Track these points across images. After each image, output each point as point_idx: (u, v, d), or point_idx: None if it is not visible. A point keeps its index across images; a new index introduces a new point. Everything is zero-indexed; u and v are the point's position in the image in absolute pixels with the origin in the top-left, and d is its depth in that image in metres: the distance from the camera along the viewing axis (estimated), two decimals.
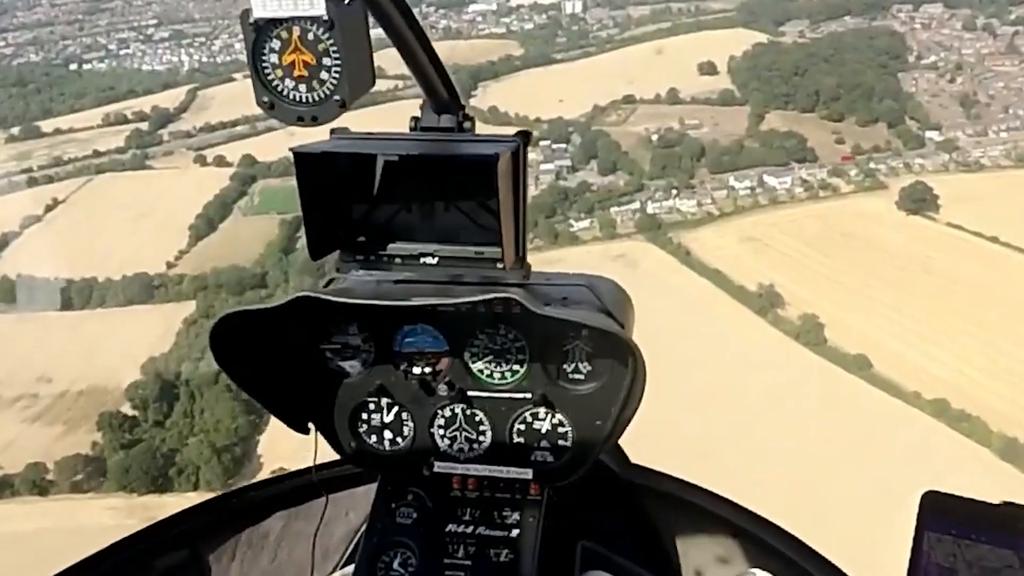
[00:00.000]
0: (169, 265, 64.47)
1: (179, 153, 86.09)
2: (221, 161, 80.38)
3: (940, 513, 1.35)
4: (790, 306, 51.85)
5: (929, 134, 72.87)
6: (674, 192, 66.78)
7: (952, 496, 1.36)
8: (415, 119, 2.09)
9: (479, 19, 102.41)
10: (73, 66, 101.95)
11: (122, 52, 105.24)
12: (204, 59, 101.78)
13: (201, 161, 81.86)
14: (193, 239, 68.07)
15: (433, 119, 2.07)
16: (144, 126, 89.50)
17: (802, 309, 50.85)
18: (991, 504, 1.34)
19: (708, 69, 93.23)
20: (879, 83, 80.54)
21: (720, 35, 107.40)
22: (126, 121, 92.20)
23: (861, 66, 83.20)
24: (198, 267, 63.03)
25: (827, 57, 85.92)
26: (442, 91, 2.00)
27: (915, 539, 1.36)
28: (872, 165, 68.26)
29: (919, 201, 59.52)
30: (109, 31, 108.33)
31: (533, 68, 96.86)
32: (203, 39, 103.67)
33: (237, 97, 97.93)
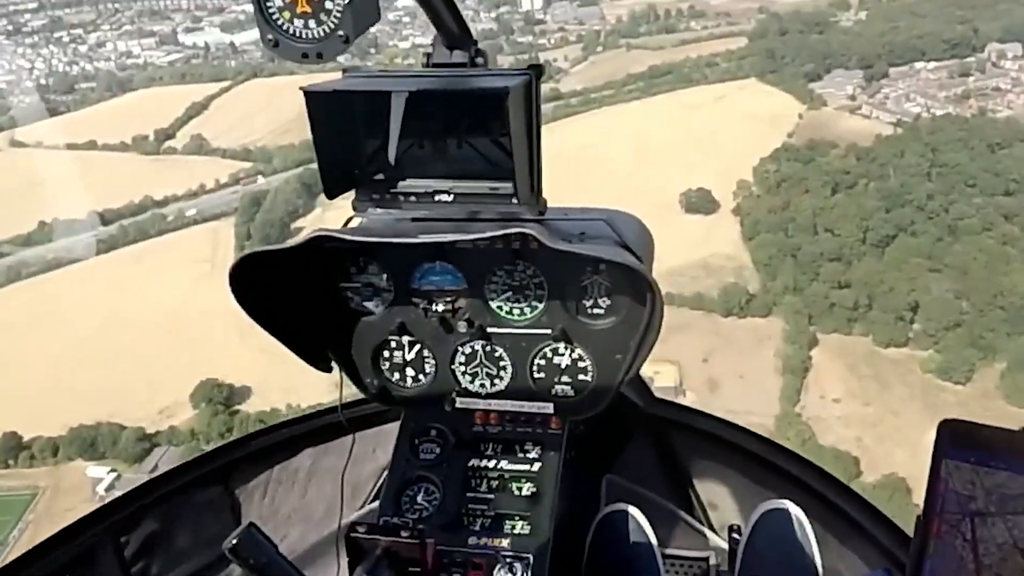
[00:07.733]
0: None
1: None
2: None
3: (958, 441, 1.31)
4: None
5: None
6: None
7: (970, 423, 1.32)
8: (427, 55, 2.06)
9: (406, 19, 78.56)
10: None
11: None
12: (61, 65, 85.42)
13: None
14: None
15: (445, 55, 2.04)
16: None
17: None
18: (1010, 430, 1.30)
19: (699, 202, 54.16)
20: None
21: (723, 96, 71.20)
22: None
23: (995, 235, 43.32)
24: None
25: (921, 204, 45.92)
26: (452, 26, 1.96)
27: (932, 467, 1.33)
28: None
29: None
30: None
31: None
32: (79, 31, 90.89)
33: None
